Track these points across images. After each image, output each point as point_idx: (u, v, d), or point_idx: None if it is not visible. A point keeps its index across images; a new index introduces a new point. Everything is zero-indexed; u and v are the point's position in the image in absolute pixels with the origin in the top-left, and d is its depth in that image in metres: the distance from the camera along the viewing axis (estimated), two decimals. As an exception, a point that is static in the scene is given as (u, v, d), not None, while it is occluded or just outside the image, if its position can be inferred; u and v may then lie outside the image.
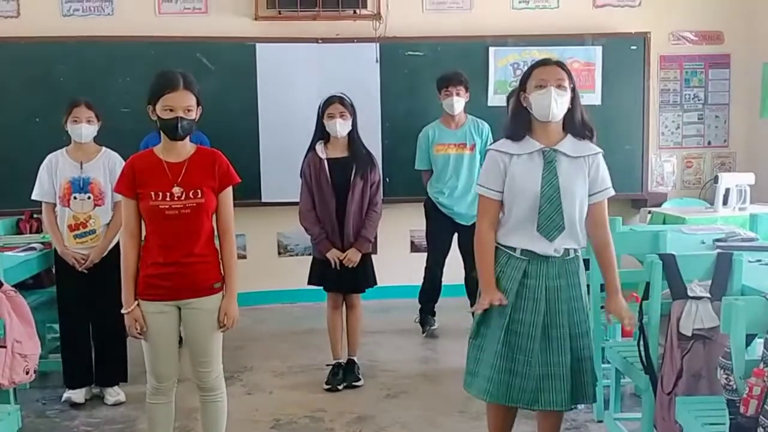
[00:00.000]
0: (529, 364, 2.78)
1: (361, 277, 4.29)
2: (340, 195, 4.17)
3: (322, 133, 4.23)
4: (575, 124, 2.83)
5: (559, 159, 2.79)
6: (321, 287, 4.36)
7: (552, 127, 2.81)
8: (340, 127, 4.15)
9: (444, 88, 5.01)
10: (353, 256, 4.20)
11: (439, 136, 5.09)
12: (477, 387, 2.89)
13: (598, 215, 2.88)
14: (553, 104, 2.74)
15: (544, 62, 2.86)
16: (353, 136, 4.24)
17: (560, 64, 2.84)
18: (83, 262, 3.99)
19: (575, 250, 2.86)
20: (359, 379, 4.33)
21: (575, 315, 2.83)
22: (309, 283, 4.38)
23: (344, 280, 4.26)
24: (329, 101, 4.19)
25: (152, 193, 2.83)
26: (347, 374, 4.33)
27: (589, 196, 2.85)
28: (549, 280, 2.81)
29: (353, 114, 4.21)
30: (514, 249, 2.84)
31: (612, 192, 2.91)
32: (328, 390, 4.25)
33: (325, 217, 4.20)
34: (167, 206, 2.83)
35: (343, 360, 4.38)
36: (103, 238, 4.02)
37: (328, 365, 4.40)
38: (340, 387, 4.28)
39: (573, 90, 2.81)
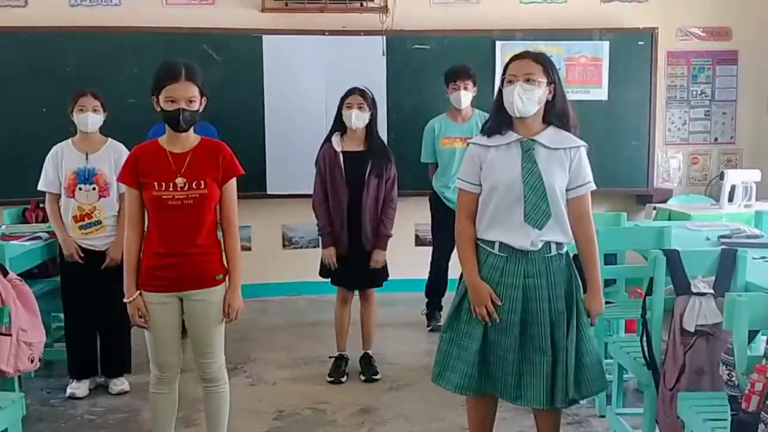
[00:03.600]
0: (506, 360, 2.75)
1: (374, 272, 4.28)
2: (353, 189, 4.15)
3: (339, 125, 4.21)
4: (554, 116, 2.78)
5: (536, 149, 2.75)
6: (329, 280, 4.35)
7: (529, 119, 2.76)
8: (356, 118, 4.12)
9: (452, 82, 5.01)
10: (379, 257, 4.23)
11: (445, 129, 5.09)
12: (453, 382, 2.82)
13: (580, 209, 2.81)
14: (517, 100, 2.69)
15: (519, 56, 2.80)
16: (371, 130, 4.20)
17: (535, 57, 2.76)
18: (82, 255, 4.00)
19: (558, 246, 2.79)
20: (377, 373, 4.31)
21: (556, 315, 2.75)
22: (320, 274, 4.35)
23: (357, 275, 4.25)
24: (350, 92, 4.17)
25: (155, 183, 2.84)
26: (365, 369, 4.32)
27: (571, 190, 2.78)
28: (528, 278, 2.75)
29: (372, 108, 4.18)
30: (492, 245, 2.79)
31: (593, 186, 2.82)
32: (331, 382, 4.27)
33: (337, 210, 4.18)
34: (170, 196, 2.83)
35: (346, 353, 4.39)
36: (117, 233, 4.02)
37: (330, 357, 4.42)
38: (342, 379, 4.29)
39: (552, 82, 2.74)
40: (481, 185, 2.82)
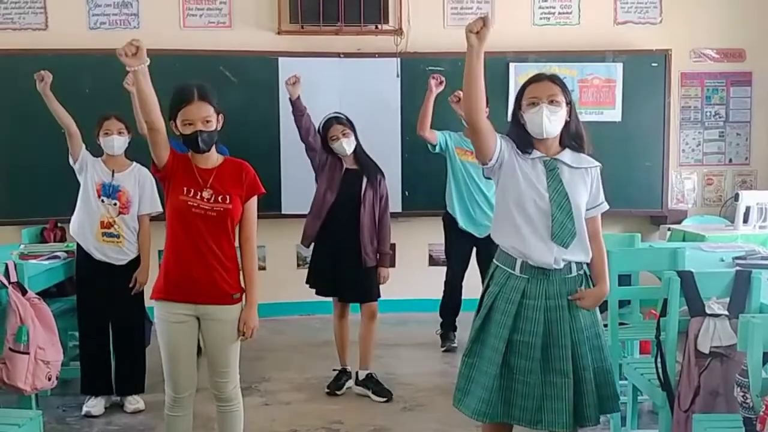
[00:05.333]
0: (527, 384, 2.73)
1: (362, 288, 4.32)
2: (348, 205, 4.21)
3: (330, 152, 4.29)
4: (571, 138, 2.81)
5: (561, 168, 2.78)
6: (314, 289, 4.44)
7: (549, 141, 2.79)
8: (347, 146, 4.22)
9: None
10: (385, 273, 4.36)
11: (459, 142, 5.13)
12: (470, 407, 2.82)
13: (594, 227, 2.87)
14: (546, 121, 2.72)
15: (537, 78, 2.83)
16: (358, 149, 4.30)
17: (553, 79, 2.81)
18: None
19: (578, 266, 2.81)
20: (390, 393, 4.30)
21: (577, 334, 2.76)
22: (307, 282, 4.44)
23: (348, 288, 4.31)
24: (327, 124, 4.27)
25: (184, 187, 2.87)
26: (380, 391, 4.30)
27: (589, 210, 2.83)
28: (549, 299, 2.75)
29: (352, 128, 4.27)
30: (513, 265, 2.78)
31: (606, 206, 2.88)
32: (327, 393, 4.35)
33: (317, 213, 4.27)
34: (195, 204, 2.86)
35: (348, 366, 4.45)
36: (143, 257, 4.12)
37: (334, 370, 4.46)
38: (338, 392, 4.36)
39: (569, 104, 2.78)
40: (496, 151, 2.75)
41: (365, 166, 4.30)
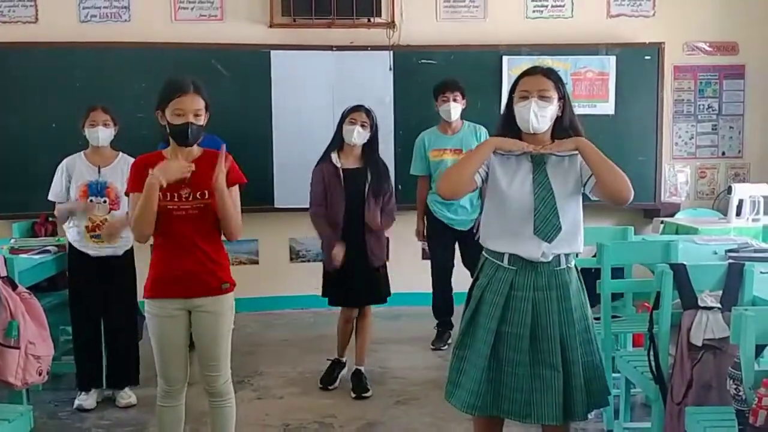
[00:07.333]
0: (516, 376, 2.71)
1: (374, 290, 4.30)
2: (352, 205, 4.17)
3: (338, 142, 4.23)
4: (564, 132, 2.78)
5: (548, 160, 2.75)
6: (328, 299, 4.39)
7: (539, 136, 2.76)
8: (358, 135, 4.14)
9: (441, 94, 4.99)
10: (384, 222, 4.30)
11: (434, 141, 5.06)
12: (460, 399, 2.80)
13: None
14: (533, 117, 2.70)
15: (530, 71, 2.80)
16: (369, 148, 4.22)
17: (546, 73, 2.77)
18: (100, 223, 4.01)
19: (567, 259, 2.77)
20: (368, 390, 4.29)
21: (566, 327, 2.73)
22: (323, 294, 4.39)
23: (360, 292, 4.27)
24: (356, 108, 4.20)
25: (161, 193, 2.83)
26: (356, 386, 4.30)
27: (588, 180, 2.73)
28: (537, 291, 2.73)
29: (374, 128, 4.21)
30: (501, 257, 2.77)
31: None
32: (320, 388, 4.35)
33: (333, 226, 4.20)
34: (175, 207, 2.85)
35: (344, 359, 4.44)
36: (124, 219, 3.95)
37: (328, 360, 4.47)
38: (330, 387, 4.35)
39: (562, 98, 2.76)
40: (478, 181, 2.78)
41: (370, 166, 4.21)
